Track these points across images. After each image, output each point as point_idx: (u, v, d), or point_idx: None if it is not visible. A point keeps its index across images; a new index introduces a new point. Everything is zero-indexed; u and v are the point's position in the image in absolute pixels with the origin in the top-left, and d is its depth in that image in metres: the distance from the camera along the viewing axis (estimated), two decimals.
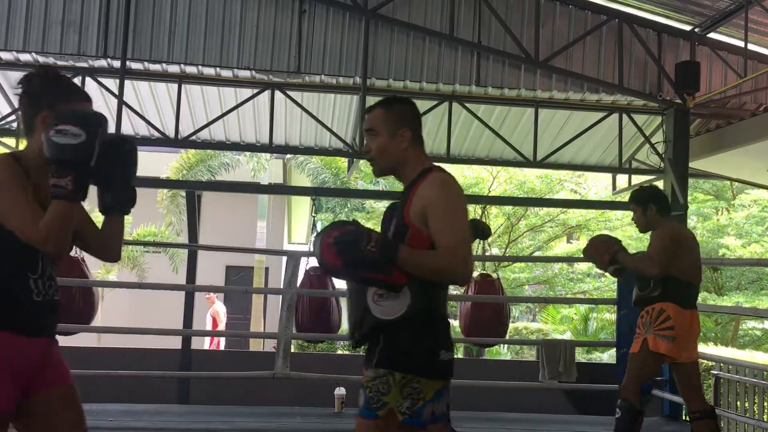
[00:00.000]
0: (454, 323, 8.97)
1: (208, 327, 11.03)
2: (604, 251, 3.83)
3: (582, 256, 4.14)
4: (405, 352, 2.07)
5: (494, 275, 6.57)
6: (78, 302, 5.73)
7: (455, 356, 2.26)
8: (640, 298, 3.81)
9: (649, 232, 3.87)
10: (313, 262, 6.18)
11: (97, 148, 1.79)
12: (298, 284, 5.59)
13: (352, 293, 2.17)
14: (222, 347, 11.17)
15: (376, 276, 2.03)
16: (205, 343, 11.40)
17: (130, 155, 2.05)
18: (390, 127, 2.19)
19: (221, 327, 11.03)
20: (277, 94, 7.12)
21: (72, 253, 5.88)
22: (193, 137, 7.37)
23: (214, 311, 11.15)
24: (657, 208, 3.85)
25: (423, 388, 2.06)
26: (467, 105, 7.23)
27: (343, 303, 6.50)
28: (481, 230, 4.20)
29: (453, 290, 11.44)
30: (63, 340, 6.78)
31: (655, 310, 3.68)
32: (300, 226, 18.15)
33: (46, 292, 1.93)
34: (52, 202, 1.78)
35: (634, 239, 13.89)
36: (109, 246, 2.12)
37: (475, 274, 6.80)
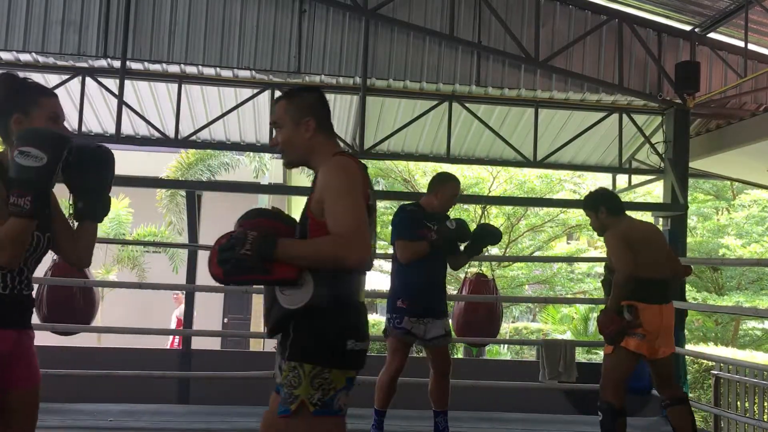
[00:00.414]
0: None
1: (173, 327, 10.74)
2: (612, 330, 3.76)
3: (581, 256, 4.18)
4: (312, 342, 2.05)
5: (489, 275, 6.57)
6: (79, 302, 5.75)
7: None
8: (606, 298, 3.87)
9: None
10: None
11: (58, 171, 1.91)
12: None
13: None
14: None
15: (256, 277, 2.05)
16: (167, 343, 11.10)
17: (103, 164, 2.14)
18: (293, 118, 2.19)
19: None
20: (277, 94, 7.12)
21: None
22: (193, 137, 7.37)
23: (180, 312, 10.84)
24: (607, 209, 3.90)
25: (333, 379, 2.04)
26: (467, 105, 7.23)
27: None
28: (491, 234, 4.22)
29: (449, 290, 11.42)
30: (64, 340, 6.81)
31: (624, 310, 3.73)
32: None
33: (15, 286, 2.00)
34: (10, 218, 1.87)
35: None
36: (79, 251, 2.19)
37: (472, 271, 6.80)
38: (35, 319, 5.76)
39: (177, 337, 10.75)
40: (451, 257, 4.22)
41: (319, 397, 2.04)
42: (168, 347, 10.55)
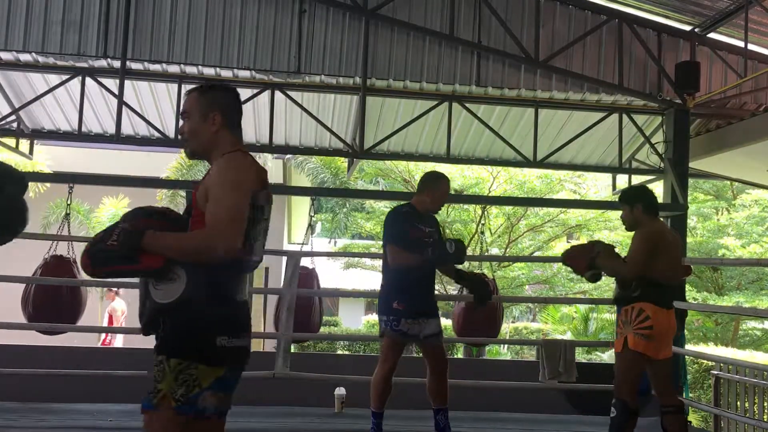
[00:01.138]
0: (447, 322, 8.91)
1: (104, 324, 10.43)
2: (581, 256, 3.89)
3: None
4: (180, 337, 2.05)
5: (490, 275, 6.57)
6: (66, 300, 5.79)
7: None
8: (620, 297, 3.87)
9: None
10: (303, 262, 6.17)
11: None
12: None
13: (140, 280, 2.17)
14: (117, 345, 10.47)
15: (123, 268, 2.08)
16: (99, 341, 10.81)
17: (11, 198, 2.52)
18: (202, 111, 2.24)
19: (117, 326, 10.19)
20: (277, 94, 7.12)
21: (64, 254, 5.95)
22: None
23: (111, 308, 10.54)
24: (643, 207, 3.91)
25: (199, 375, 2.03)
26: (467, 105, 7.23)
27: (343, 303, 6.48)
28: (457, 252, 4.18)
29: (449, 290, 11.39)
30: (59, 339, 6.77)
31: (635, 310, 3.74)
32: (300, 226, 18.15)
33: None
34: None
35: None
36: None
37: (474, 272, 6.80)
38: (22, 318, 5.79)
39: (108, 335, 10.61)
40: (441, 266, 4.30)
41: (183, 393, 2.02)
42: (99, 345, 10.29)
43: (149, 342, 2.13)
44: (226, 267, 2.09)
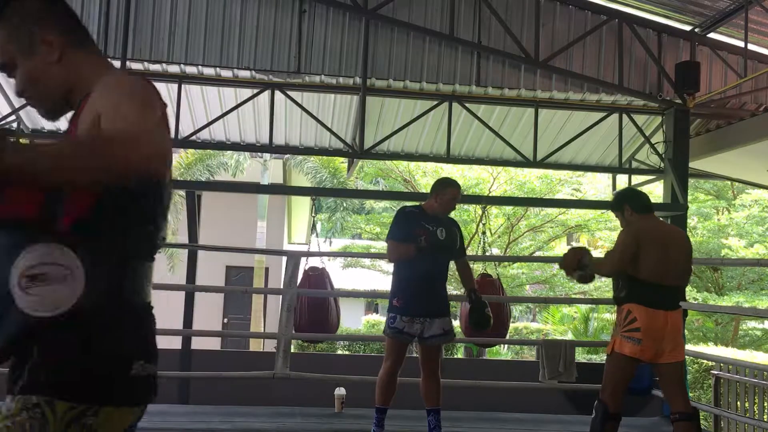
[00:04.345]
0: (455, 322, 8.90)
1: None
2: (571, 258, 3.87)
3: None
4: (74, 368, 1.30)
5: (494, 275, 6.57)
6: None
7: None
8: (613, 298, 3.86)
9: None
10: (312, 262, 6.18)
11: None
12: (297, 284, 5.60)
13: None
14: None
15: None
16: None
17: None
18: (22, 43, 1.44)
19: None
20: (277, 94, 7.12)
21: None
22: (193, 137, 7.38)
23: None
24: (632, 207, 3.87)
25: (103, 423, 1.31)
26: (467, 105, 7.23)
27: (343, 303, 6.50)
28: (477, 322, 4.26)
29: (454, 291, 11.41)
30: None
31: (623, 312, 3.68)
32: (300, 226, 18.17)
33: None
34: None
35: None
36: None
37: (475, 274, 6.80)
38: None
39: None
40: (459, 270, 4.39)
41: None
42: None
43: None
44: (138, 245, 1.40)
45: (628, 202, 3.90)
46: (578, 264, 3.80)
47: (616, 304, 3.83)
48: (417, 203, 4.34)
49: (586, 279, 3.93)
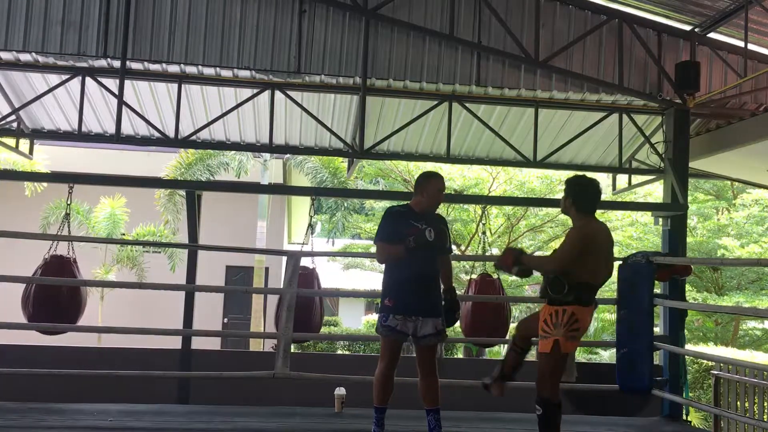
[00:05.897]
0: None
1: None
2: (508, 255, 4.03)
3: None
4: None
5: (494, 275, 6.57)
6: (65, 301, 5.81)
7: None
8: (552, 299, 3.86)
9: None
10: (303, 262, 6.16)
11: None
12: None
13: None
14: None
15: None
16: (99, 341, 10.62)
17: None
18: None
19: None
20: (277, 94, 7.12)
21: (64, 254, 5.96)
22: (193, 137, 7.38)
23: None
24: (572, 201, 3.92)
25: None
26: (467, 105, 7.23)
27: (343, 303, 6.48)
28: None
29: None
30: (59, 339, 6.77)
31: (566, 313, 3.79)
32: (300, 226, 18.17)
33: None
34: None
35: (634, 239, 13.88)
36: None
37: (475, 274, 6.81)
38: (23, 318, 5.80)
39: None
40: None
41: None
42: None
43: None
44: None
45: (573, 195, 3.93)
46: (515, 260, 3.96)
47: (553, 304, 3.85)
48: (405, 202, 4.32)
49: (526, 274, 4.06)
